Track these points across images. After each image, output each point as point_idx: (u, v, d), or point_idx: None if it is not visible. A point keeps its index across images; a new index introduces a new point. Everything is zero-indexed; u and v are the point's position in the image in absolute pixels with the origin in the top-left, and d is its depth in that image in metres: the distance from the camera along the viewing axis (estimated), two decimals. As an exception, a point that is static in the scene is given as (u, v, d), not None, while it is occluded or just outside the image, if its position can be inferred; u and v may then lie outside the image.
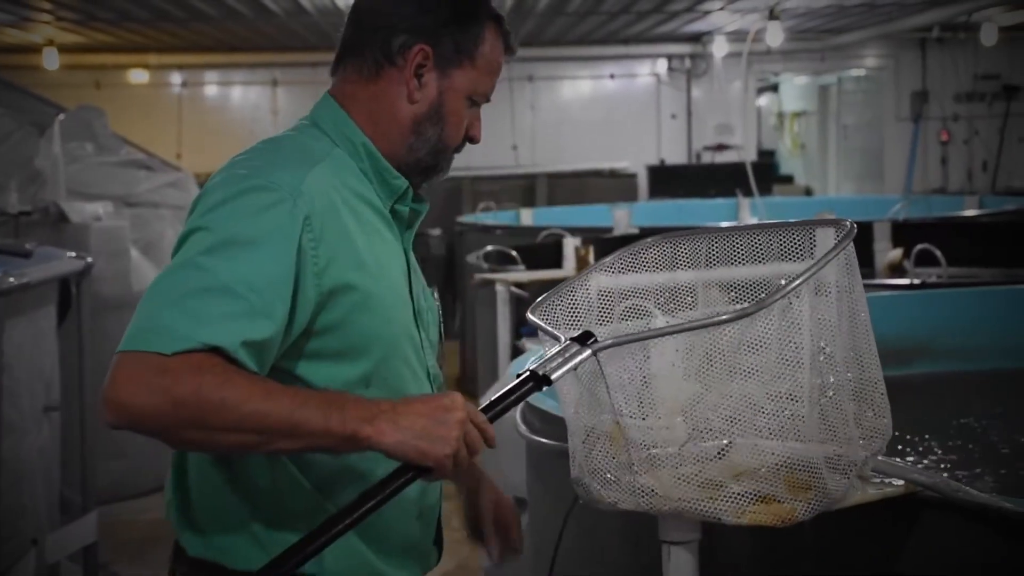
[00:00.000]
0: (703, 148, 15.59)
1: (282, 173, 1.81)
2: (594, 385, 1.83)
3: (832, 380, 1.85)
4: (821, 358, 1.83)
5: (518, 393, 1.77)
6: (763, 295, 1.81)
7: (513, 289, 6.43)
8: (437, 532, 2.10)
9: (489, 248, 7.82)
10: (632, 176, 15.02)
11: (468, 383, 8.65)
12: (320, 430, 1.67)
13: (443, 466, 1.70)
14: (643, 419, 1.81)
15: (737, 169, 12.70)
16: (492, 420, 1.76)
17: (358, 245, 1.85)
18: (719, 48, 14.24)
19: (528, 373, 1.77)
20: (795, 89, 18.12)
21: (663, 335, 1.82)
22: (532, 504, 3.33)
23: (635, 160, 15.19)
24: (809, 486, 1.79)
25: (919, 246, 6.14)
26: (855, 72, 16.25)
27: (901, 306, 4.67)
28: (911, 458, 3.45)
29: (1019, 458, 3.54)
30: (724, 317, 1.78)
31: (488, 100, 2.03)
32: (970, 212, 10.68)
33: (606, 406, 1.81)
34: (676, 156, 15.56)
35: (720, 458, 1.81)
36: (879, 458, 1.92)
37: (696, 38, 14.77)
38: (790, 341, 1.81)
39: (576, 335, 1.79)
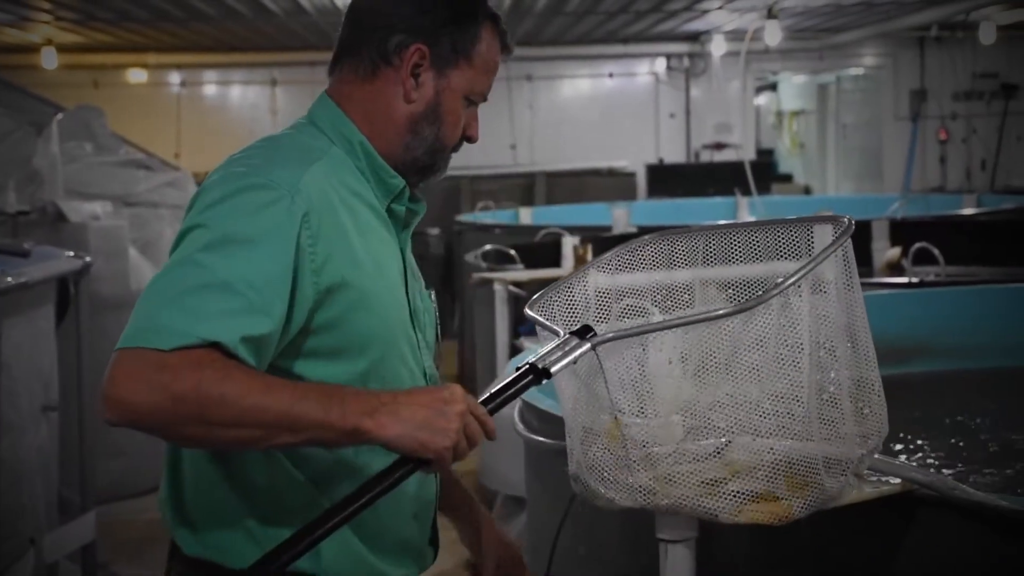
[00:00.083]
0: (702, 147, 15.59)
1: (280, 171, 1.81)
2: (592, 381, 1.83)
3: (830, 378, 1.85)
4: (821, 353, 1.83)
5: (518, 386, 1.78)
6: (761, 293, 1.81)
7: (511, 288, 6.42)
8: (433, 532, 2.10)
9: (488, 247, 7.81)
10: (631, 175, 15.02)
11: (467, 382, 8.65)
12: (321, 423, 1.67)
13: (443, 458, 1.70)
14: (641, 416, 1.81)
15: (736, 168, 12.71)
16: (492, 413, 1.76)
17: (354, 243, 1.85)
18: (717, 47, 14.23)
19: (528, 366, 1.78)
20: (794, 88, 18.13)
21: (663, 329, 1.82)
22: (530, 503, 3.33)
23: (634, 159, 15.18)
24: (806, 484, 1.79)
25: (917, 245, 6.14)
26: (853, 71, 16.25)
27: (899, 305, 4.68)
28: (908, 456, 3.46)
29: (1016, 456, 3.54)
30: (723, 311, 1.78)
31: (485, 99, 2.03)
32: (968, 211, 10.68)
33: (604, 402, 1.81)
34: (675, 155, 15.56)
35: (718, 456, 1.81)
36: (876, 456, 1.92)
37: (694, 37, 14.77)
38: (788, 338, 1.81)
39: (575, 329, 1.80)
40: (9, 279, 4.16)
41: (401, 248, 2.01)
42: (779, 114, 18.64)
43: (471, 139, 2.04)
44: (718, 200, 12.57)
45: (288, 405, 1.66)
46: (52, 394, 4.63)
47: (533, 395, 2.90)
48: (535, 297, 2.00)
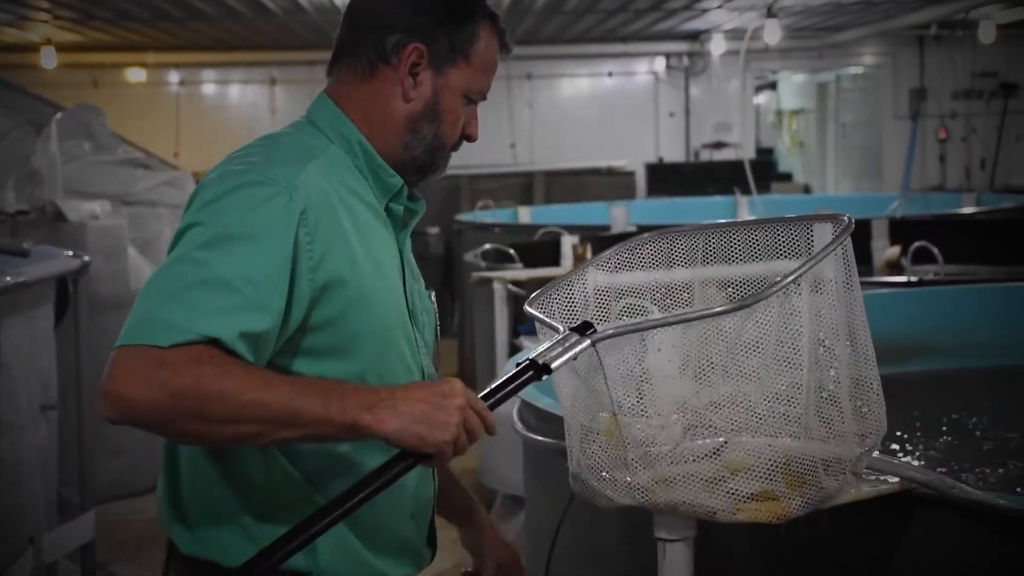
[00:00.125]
0: (701, 146, 15.60)
1: (278, 169, 1.81)
2: (592, 379, 1.83)
3: (829, 376, 1.85)
4: (820, 351, 1.83)
5: (518, 381, 1.77)
6: (760, 290, 1.81)
7: (511, 287, 6.42)
8: (431, 531, 2.09)
9: (487, 246, 7.81)
10: (630, 174, 15.02)
11: (466, 381, 8.56)
12: (320, 418, 1.67)
13: (443, 452, 1.70)
14: (640, 415, 1.81)
15: (735, 167, 12.71)
16: (492, 408, 1.76)
17: (352, 242, 1.85)
18: (717, 46, 14.24)
19: (528, 362, 1.78)
20: (793, 87, 18.13)
21: (663, 325, 1.82)
22: (529, 502, 3.33)
23: (633, 158, 15.19)
24: (804, 483, 1.79)
25: (916, 243, 6.14)
26: (853, 70, 16.26)
27: (898, 304, 4.68)
28: (906, 455, 3.46)
29: (1015, 455, 3.54)
30: (723, 308, 1.78)
31: (484, 98, 2.03)
32: (968, 209, 10.68)
33: (604, 399, 1.81)
34: (674, 154, 15.56)
35: (716, 455, 1.81)
36: (874, 455, 1.92)
37: (694, 36, 14.77)
38: (788, 337, 1.81)
39: (575, 326, 1.80)
40: (8, 278, 4.15)
41: (400, 247, 2.01)
42: (779, 113, 18.64)
43: (471, 138, 2.04)
44: (718, 199, 12.57)
45: (287, 400, 1.66)
46: (51, 393, 4.62)
47: (532, 394, 2.90)
48: (535, 294, 1.99)
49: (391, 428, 1.68)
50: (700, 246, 2.04)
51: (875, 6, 12.50)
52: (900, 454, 3.48)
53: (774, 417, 1.79)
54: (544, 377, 1.78)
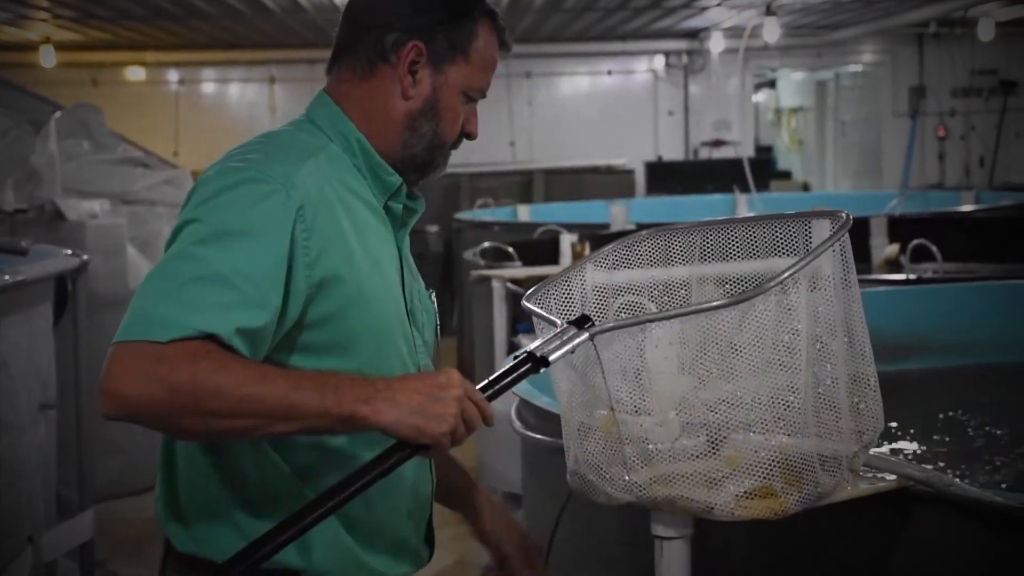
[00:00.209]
0: (700, 144, 15.60)
1: (276, 166, 1.82)
2: (589, 374, 1.83)
3: (826, 373, 1.85)
4: (817, 346, 1.83)
5: (516, 374, 1.77)
6: (758, 285, 1.81)
7: (509, 285, 6.42)
8: (429, 530, 2.09)
9: (486, 245, 7.81)
10: (629, 172, 15.02)
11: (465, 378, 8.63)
12: (317, 411, 1.67)
13: (441, 443, 1.70)
14: (638, 412, 1.81)
15: (734, 165, 12.71)
16: (489, 400, 1.75)
17: (349, 239, 1.85)
18: (716, 44, 14.23)
19: (526, 354, 1.78)
20: (792, 85, 18.13)
21: (661, 319, 1.82)
22: (527, 500, 3.33)
23: (632, 156, 15.19)
24: (801, 480, 1.79)
25: (915, 241, 6.14)
26: (852, 68, 16.26)
27: (897, 301, 4.68)
28: (904, 452, 3.46)
29: (1013, 453, 3.55)
30: (721, 302, 1.78)
31: (484, 96, 2.03)
32: (966, 207, 10.68)
33: (601, 395, 1.81)
34: (673, 152, 15.56)
35: (714, 453, 1.81)
36: (871, 452, 1.92)
37: (693, 34, 14.77)
38: (785, 334, 1.81)
39: (573, 319, 1.80)
40: (7, 277, 4.16)
41: (398, 246, 2.01)
42: (778, 111, 18.64)
43: (470, 136, 2.04)
44: (717, 197, 12.56)
45: (283, 394, 1.66)
46: (50, 392, 4.63)
47: (530, 392, 2.90)
48: (532, 290, 1.99)
49: (388, 419, 1.68)
50: (698, 243, 2.04)
51: (874, 4, 12.50)
52: (898, 451, 3.48)
53: (772, 414, 1.79)
54: (542, 370, 1.78)
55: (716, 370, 1.83)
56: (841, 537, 2.10)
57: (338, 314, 1.83)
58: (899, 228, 7.53)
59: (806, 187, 16.41)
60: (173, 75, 14.85)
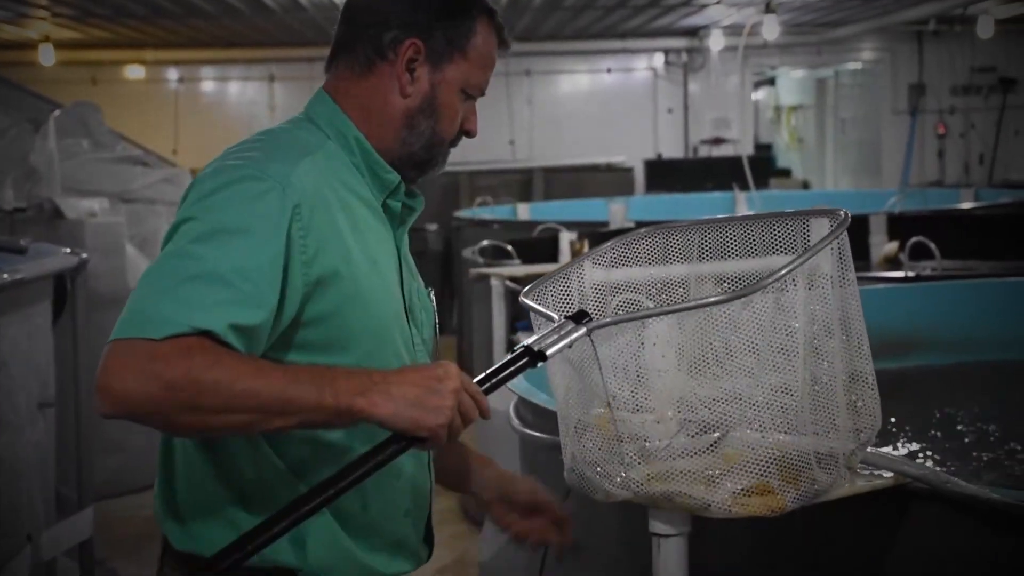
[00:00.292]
0: (700, 142, 15.60)
1: (273, 164, 1.82)
2: (586, 371, 1.83)
3: (824, 371, 1.85)
4: (815, 344, 1.83)
5: (513, 367, 1.77)
6: (756, 281, 1.81)
7: (508, 283, 6.41)
8: (428, 529, 2.09)
9: (485, 243, 7.81)
10: (629, 170, 15.02)
11: (465, 377, 8.62)
12: (313, 405, 1.67)
13: (438, 436, 1.70)
14: (635, 409, 1.81)
15: (734, 163, 12.71)
16: (486, 393, 1.75)
17: (346, 237, 1.85)
18: (715, 42, 14.23)
19: (523, 348, 1.77)
20: (792, 83, 18.13)
21: (659, 314, 1.82)
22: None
23: (632, 154, 15.19)
24: (798, 477, 1.79)
25: (914, 239, 6.14)
26: (852, 65, 16.26)
27: (896, 299, 4.68)
28: (902, 450, 3.46)
29: (1011, 450, 3.55)
30: (719, 298, 1.78)
31: (483, 94, 2.03)
32: (966, 205, 10.68)
33: (598, 392, 1.81)
34: (673, 150, 15.56)
35: (711, 450, 1.81)
36: (869, 449, 1.92)
37: (692, 32, 14.77)
38: (782, 331, 1.81)
39: (571, 314, 1.79)
40: (6, 276, 4.16)
41: (397, 244, 2.01)
42: (777, 109, 18.65)
43: (469, 133, 2.04)
44: (716, 195, 12.57)
45: (280, 388, 1.66)
46: (49, 391, 4.63)
47: (528, 390, 2.90)
48: (530, 286, 1.99)
49: (385, 412, 1.68)
50: (696, 241, 2.03)
51: (873, 1, 12.51)
52: (896, 449, 3.48)
53: (769, 411, 1.79)
54: (539, 364, 1.77)
55: (714, 367, 1.83)
56: (838, 534, 2.10)
57: (335, 312, 1.83)
58: (898, 226, 7.53)
59: (806, 185, 16.41)
60: (172, 73, 14.85)
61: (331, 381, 1.68)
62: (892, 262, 7.20)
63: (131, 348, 1.62)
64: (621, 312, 2.02)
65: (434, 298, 2.12)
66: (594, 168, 14.90)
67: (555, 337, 1.77)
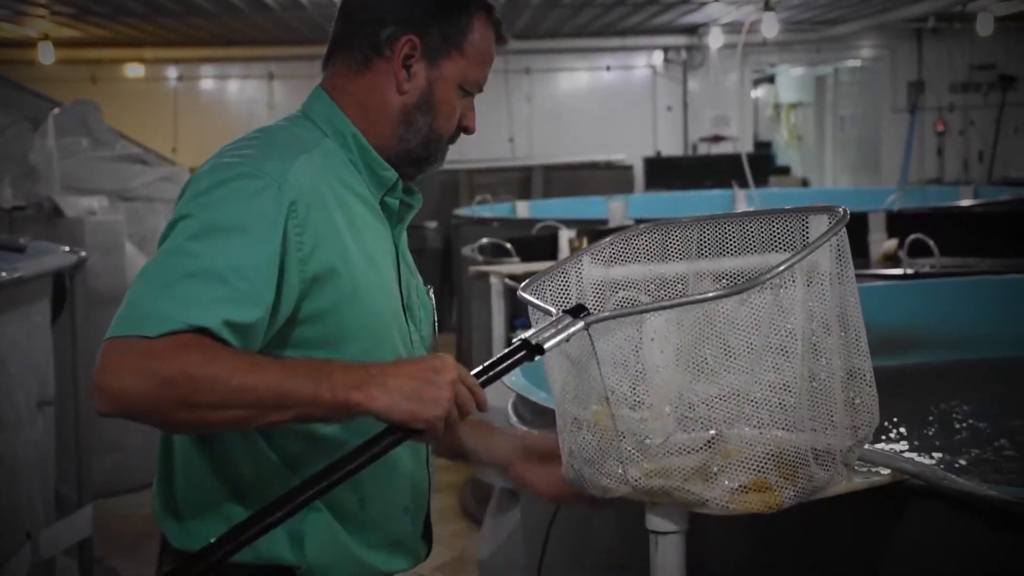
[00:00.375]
0: (699, 140, 15.60)
1: (269, 161, 1.82)
2: (584, 367, 1.83)
3: (822, 368, 1.85)
4: (813, 341, 1.83)
5: (511, 360, 1.76)
6: (755, 277, 1.80)
7: (507, 281, 6.42)
8: (427, 526, 2.09)
9: (484, 241, 7.82)
10: (628, 168, 15.02)
11: (464, 375, 8.62)
12: (310, 399, 1.67)
13: (435, 428, 1.70)
14: (633, 405, 1.81)
15: (733, 161, 12.70)
16: (483, 386, 1.75)
17: (343, 234, 1.85)
18: (715, 39, 14.22)
19: (520, 341, 1.77)
20: (791, 80, 18.13)
21: (657, 309, 1.82)
22: (524, 495, 3.33)
23: (631, 152, 15.18)
24: (796, 473, 1.79)
25: (913, 236, 6.14)
26: (851, 63, 16.25)
27: (895, 296, 4.68)
28: (900, 447, 3.46)
29: (1007, 446, 3.55)
30: (717, 293, 1.78)
31: (481, 90, 2.03)
32: (965, 202, 10.68)
33: (596, 387, 1.81)
34: (672, 148, 15.56)
35: (709, 447, 1.81)
36: (866, 446, 1.92)
37: (692, 30, 14.77)
38: (781, 328, 1.80)
39: (569, 308, 1.79)
40: (4, 274, 4.16)
41: (395, 242, 2.01)
42: (777, 106, 18.65)
43: (468, 130, 2.04)
44: (716, 193, 12.56)
45: (276, 382, 1.66)
46: (48, 389, 4.63)
47: (527, 388, 2.90)
48: (528, 280, 1.99)
49: (382, 405, 1.68)
50: (695, 238, 2.03)
51: (872, -1, 12.51)
52: (894, 445, 3.48)
53: (767, 408, 1.79)
54: (536, 357, 1.77)
55: (712, 364, 1.83)
56: (835, 531, 2.10)
57: (332, 310, 1.83)
58: (898, 223, 7.53)
59: (805, 183, 16.42)
60: (172, 72, 14.85)
61: (328, 375, 1.68)
62: (891, 259, 7.20)
63: (127, 346, 1.62)
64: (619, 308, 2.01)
65: (433, 296, 2.12)
66: (593, 166, 14.89)
67: (553, 331, 1.76)
